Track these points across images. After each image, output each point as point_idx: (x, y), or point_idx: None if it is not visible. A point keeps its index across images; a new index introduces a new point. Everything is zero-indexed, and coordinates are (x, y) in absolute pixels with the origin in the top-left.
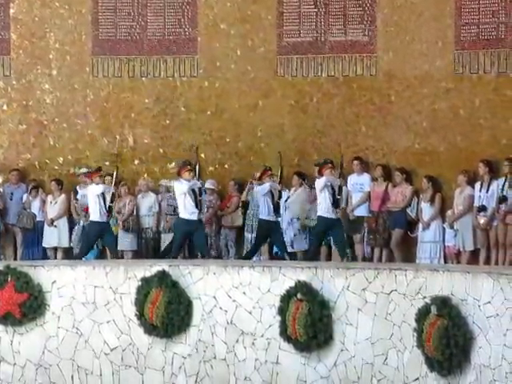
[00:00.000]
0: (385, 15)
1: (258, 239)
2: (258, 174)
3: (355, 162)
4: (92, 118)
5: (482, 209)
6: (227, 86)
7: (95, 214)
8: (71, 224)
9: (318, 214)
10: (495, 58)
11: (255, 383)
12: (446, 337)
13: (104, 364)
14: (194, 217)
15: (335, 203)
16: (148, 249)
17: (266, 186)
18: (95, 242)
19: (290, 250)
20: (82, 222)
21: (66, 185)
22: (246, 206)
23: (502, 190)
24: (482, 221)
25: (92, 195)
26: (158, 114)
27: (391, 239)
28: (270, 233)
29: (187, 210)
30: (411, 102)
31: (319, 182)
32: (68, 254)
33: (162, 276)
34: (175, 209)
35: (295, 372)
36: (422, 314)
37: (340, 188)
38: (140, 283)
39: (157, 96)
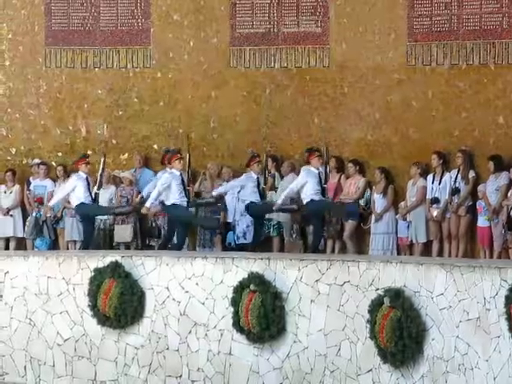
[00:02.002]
0: (338, 6)
1: (256, 222)
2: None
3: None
4: (45, 109)
5: (435, 201)
6: (180, 76)
7: (85, 200)
8: (24, 215)
9: (307, 200)
10: (448, 50)
11: (208, 374)
12: (399, 328)
13: (57, 354)
14: (185, 204)
15: (322, 191)
16: (105, 240)
17: (253, 175)
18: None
19: (242, 241)
20: (34, 213)
21: (18, 175)
22: (198, 197)
23: (455, 181)
24: (434, 213)
25: (83, 182)
26: (110, 105)
27: (344, 231)
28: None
29: (182, 197)
30: (364, 93)
31: (302, 175)
32: (20, 244)
33: (115, 267)
34: (128, 200)
35: (248, 363)
36: (375, 306)
37: (326, 176)
38: (93, 274)
39: (110, 87)
